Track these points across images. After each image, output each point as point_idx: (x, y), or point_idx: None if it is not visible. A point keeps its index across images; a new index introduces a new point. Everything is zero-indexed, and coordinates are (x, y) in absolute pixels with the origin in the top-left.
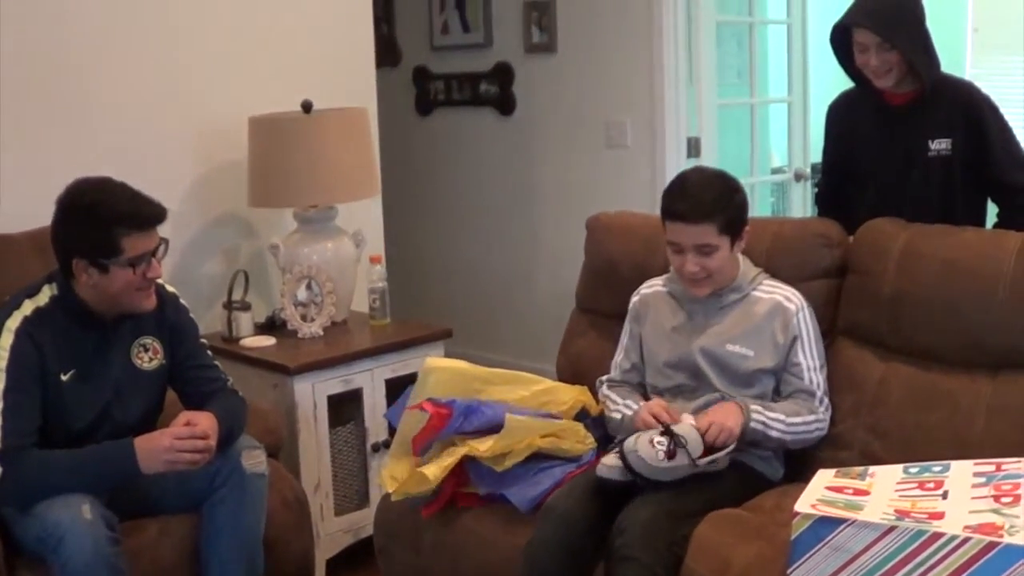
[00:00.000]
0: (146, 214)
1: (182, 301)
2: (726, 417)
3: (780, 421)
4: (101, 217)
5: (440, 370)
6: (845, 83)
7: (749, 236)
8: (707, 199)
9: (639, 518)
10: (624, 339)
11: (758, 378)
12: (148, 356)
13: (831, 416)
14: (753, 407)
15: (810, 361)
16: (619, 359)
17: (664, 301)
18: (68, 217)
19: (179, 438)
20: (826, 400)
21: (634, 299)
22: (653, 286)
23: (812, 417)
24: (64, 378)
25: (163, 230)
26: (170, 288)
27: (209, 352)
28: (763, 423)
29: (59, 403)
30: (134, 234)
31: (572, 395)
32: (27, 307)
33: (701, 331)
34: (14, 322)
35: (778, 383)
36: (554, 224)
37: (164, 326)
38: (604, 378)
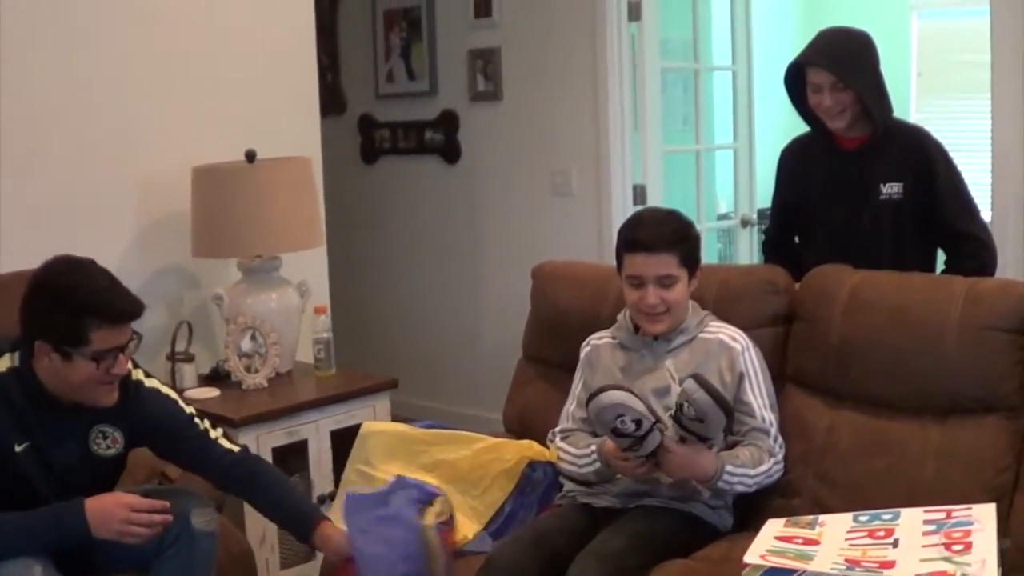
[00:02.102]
0: (120, 309)
1: (148, 384)
2: (695, 463)
3: (746, 475)
4: (74, 304)
5: (379, 434)
6: (791, 129)
7: (697, 282)
8: (668, 230)
9: (588, 572)
10: (576, 388)
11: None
12: (107, 444)
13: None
14: (727, 468)
15: (760, 399)
16: (571, 408)
17: (613, 350)
18: (40, 295)
19: (136, 510)
20: (780, 438)
21: (585, 348)
22: (602, 338)
23: (772, 461)
24: (18, 449)
25: None
26: (149, 383)
27: (197, 421)
28: (729, 482)
29: (11, 474)
30: (105, 327)
31: (517, 451)
32: None
33: (650, 373)
34: None
35: (728, 428)
36: (500, 272)
37: (128, 419)
38: (556, 430)
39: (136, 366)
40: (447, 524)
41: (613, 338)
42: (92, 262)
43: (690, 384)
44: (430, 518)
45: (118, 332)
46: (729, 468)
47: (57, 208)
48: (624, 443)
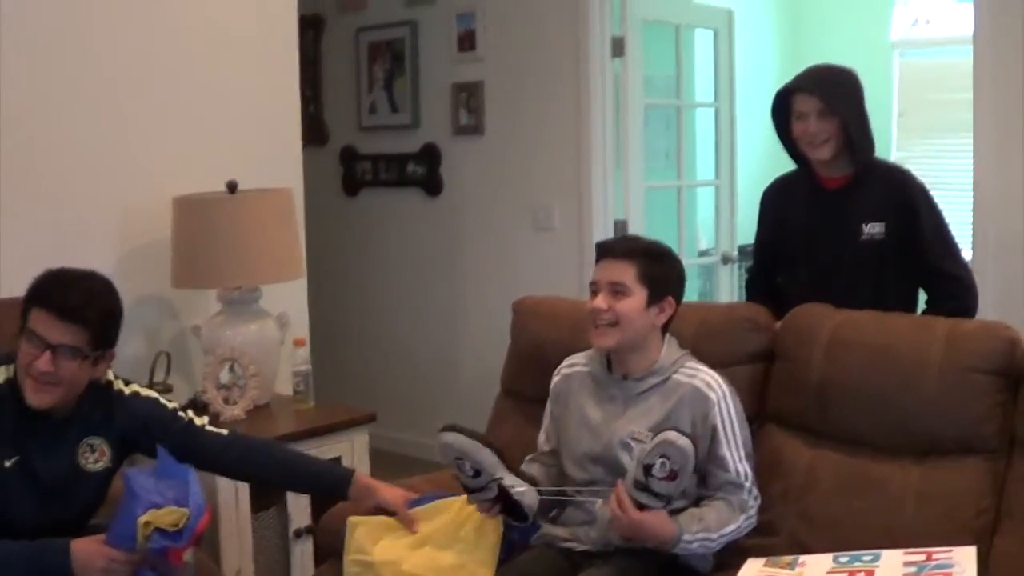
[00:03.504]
0: (58, 299)
1: (128, 391)
2: (650, 531)
3: (707, 538)
4: (35, 282)
5: (365, 523)
6: (772, 166)
7: (676, 320)
8: (638, 244)
9: None
10: (545, 420)
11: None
12: (94, 457)
13: (760, 503)
14: (684, 537)
15: (735, 452)
16: (541, 440)
17: (584, 385)
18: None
19: (115, 560)
20: (755, 490)
21: (555, 378)
22: (575, 365)
23: (743, 517)
24: (7, 464)
25: None
26: (128, 389)
27: (180, 413)
28: (688, 548)
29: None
30: (43, 312)
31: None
32: None
33: (619, 419)
34: None
35: (703, 474)
36: (480, 306)
37: (114, 430)
38: (528, 457)
39: (116, 377)
40: (177, 536)
41: (586, 366)
42: (90, 272)
43: (670, 433)
44: (149, 517)
45: (50, 324)
46: (686, 537)
47: (37, 236)
48: (465, 484)
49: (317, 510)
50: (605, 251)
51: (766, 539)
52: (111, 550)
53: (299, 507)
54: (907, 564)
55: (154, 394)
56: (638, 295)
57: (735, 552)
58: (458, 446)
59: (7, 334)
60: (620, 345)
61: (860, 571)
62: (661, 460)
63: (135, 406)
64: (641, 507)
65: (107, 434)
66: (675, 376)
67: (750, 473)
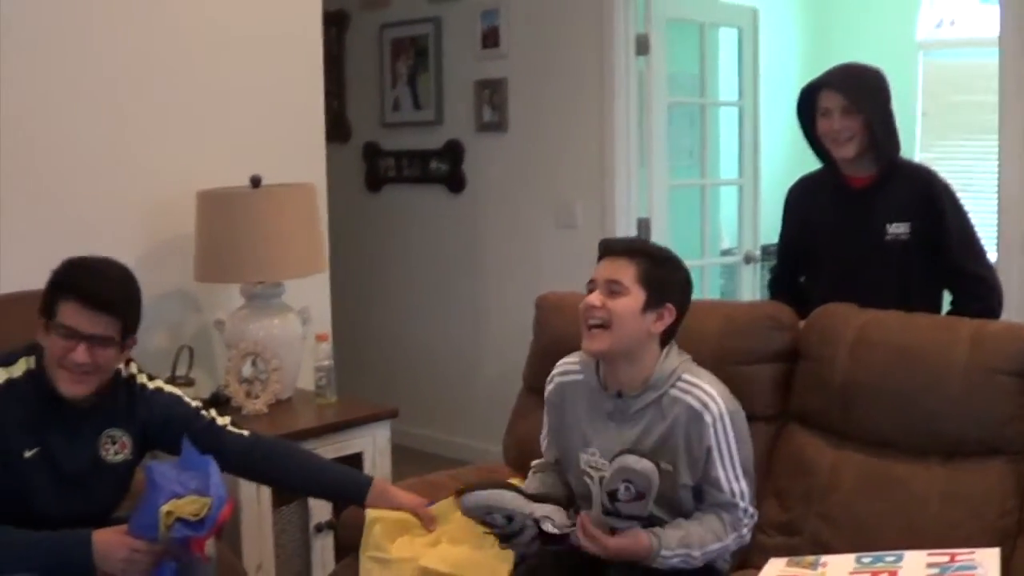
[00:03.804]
0: (90, 290)
1: (152, 386)
2: (626, 551)
3: (688, 555)
4: (59, 275)
5: (383, 519)
6: (796, 166)
7: (699, 317)
8: (640, 244)
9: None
10: (544, 429)
11: (680, 495)
12: (115, 449)
13: (756, 520)
14: (662, 553)
15: (730, 472)
16: (544, 447)
17: (579, 397)
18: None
19: (137, 551)
20: (750, 508)
21: (548, 386)
22: (568, 372)
23: (733, 535)
24: (28, 455)
25: None
26: (152, 384)
27: (203, 412)
28: (666, 563)
29: (19, 481)
30: (72, 304)
31: None
32: (0, 375)
33: (616, 441)
34: None
35: (698, 493)
36: (502, 303)
37: (136, 422)
38: (534, 463)
39: (140, 371)
40: (199, 526)
41: (579, 374)
42: (108, 260)
43: (629, 458)
44: (170, 507)
45: (84, 315)
46: (665, 553)
47: (60, 229)
48: (503, 535)
49: (338, 505)
50: (607, 248)
51: (788, 539)
52: (133, 540)
53: (320, 502)
54: (930, 565)
55: (177, 391)
56: (635, 296)
57: (756, 550)
58: (481, 503)
59: (34, 326)
60: (611, 350)
61: (883, 572)
62: (624, 484)
63: (158, 401)
64: (617, 529)
65: (129, 427)
66: (671, 391)
67: (747, 491)
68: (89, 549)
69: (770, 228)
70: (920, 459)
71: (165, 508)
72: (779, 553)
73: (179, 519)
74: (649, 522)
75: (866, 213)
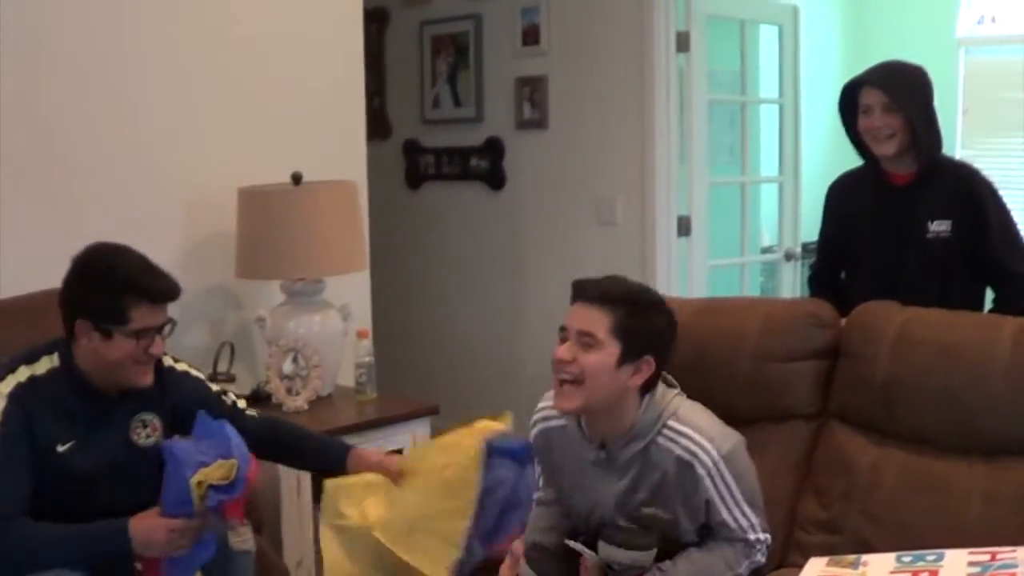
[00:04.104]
0: (160, 288)
1: (180, 368)
2: None
3: None
4: (115, 282)
5: (342, 484)
6: (836, 163)
7: (739, 315)
8: (615, 289)
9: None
10: (537, 470)
11: (684, 536)
12: (146, 433)
13: (770, 539)
14: None
15: (735, 511)
16: (541, 484)
17: (564, 443)
18: (82, 277)
19: (175, 530)
20: (763, 536)
21: (533, 431)
22: (549, 418)
23: (745, 563)
24: (61, 449)
25: None
26: (179, 366)
27: (224, 397)
28: None
29: (56, 474)
30: (144, 306)
31: (474, 439)
32: (22, 373)
33: (606, 491)
34: (7, 387)
35: (705, 528)
36: (542, 300)
37: (166, 405)
38: (538, 496)
39: (164, 352)
40: (231, 488)
41: (560, 418)
42: (128, 247)
43: (604, 551)
44: (200, 477)
45: (156, 311)
46: None
47: (103, 226)
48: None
49: None
50: (579, 293)
51: (829, 537)
52: (169, 521)
53: None
54: (971, 564)
55: (202, 375)
56: (610, 350)
57: (796, 549)
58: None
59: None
60: (584, 409)
61: (923, 571)
62: (616, 566)
63: (187, 383)
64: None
65: (159, 409)
66: (658, 440)
67: (755, 521)
68: (127, 537)
69: (810, 225)
70: (962, 457)
71: (195, 479)
72: (819, 551)
73: (211, 486)
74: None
75: (907, 210)
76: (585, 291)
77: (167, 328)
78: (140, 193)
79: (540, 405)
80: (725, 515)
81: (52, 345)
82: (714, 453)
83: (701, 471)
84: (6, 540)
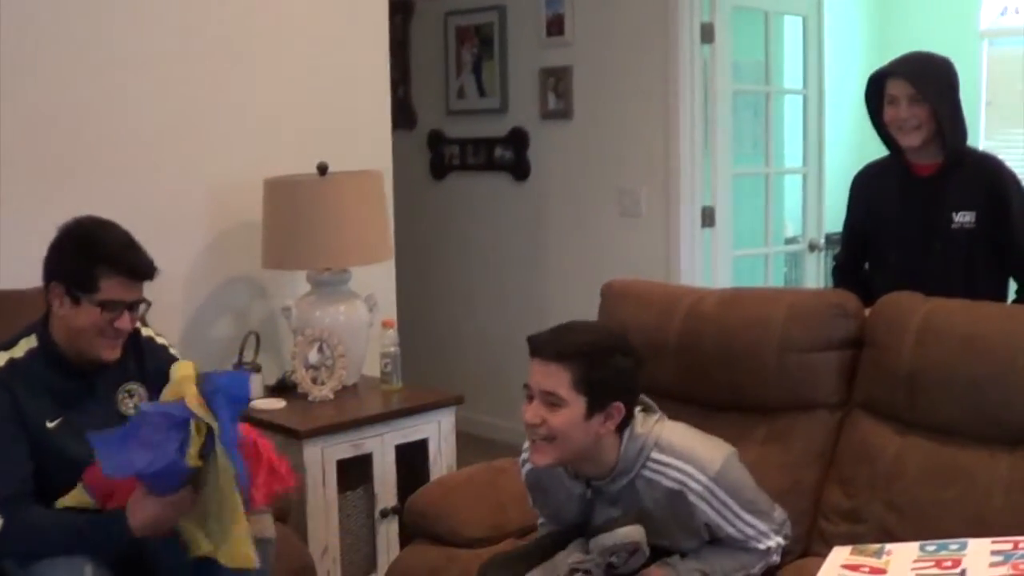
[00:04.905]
0: (133, 263)
1: (160, 341)
2: None
3: None
4: (89, 249)
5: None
6: (860, 154)
7: (765, 305)
8: (571, 340)
9: None
10: (530, 500)
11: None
12: (133, 403)
13: (788, 529)
14: None
15: (738, 524)
16: (539, 516)
17: (553, 479)
18: (61, 241)
19: (172, 503)
20: (776, 540)
21: (523, 469)
22: None
23: (759, 565)
24: (50, 425)
25: (175, 290)
26: (159, 339)
27: None
28: None
29: (47, 450)
30: (114, 278)
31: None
32: (1, 358)
33: (600, 518)
34: None
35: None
36: (567, 290)
37: (147, 372)
38: (541, 522)
39: (146, 325)
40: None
41: None
42: (114, 222)
43: (602, 538)
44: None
45: (127, 287)
46: None
47: (129, 216)
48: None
49: (403, 490)
50: (535, 350)
51: (853, 526)
52: (165, 499)
53: (386, 487)
54: (994, 552)
55: (177, 354)
56: (575, 406)
57: (820, 539)
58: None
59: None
60: (562, 462)
61: (947, 559)
62: (613, 557)
63: (162, 358)
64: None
65: (142, 378)
66: (644, 473)
67: (763, 527)
68: (124, 524)
69: (835, 216)
70: (985, 447)
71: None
72: (843, 540)
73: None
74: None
75: (932, 201)
76: (541, 348)
77: (141, 307)
78: (167, 184)
79: (526, 446)
80: (730, 530)
81: (29, 328)
82: (703, 478)
83: (693, 498)
84: (23, 523)
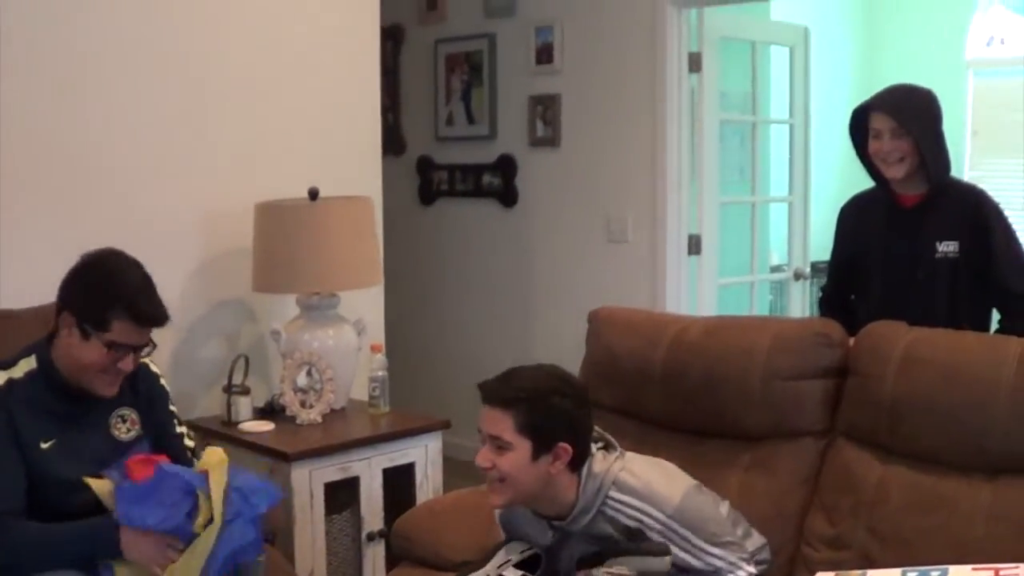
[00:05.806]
0: (147, 312)
1: (153, 368)
2: None
3: None
4: (107, 289)
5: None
6: (846, 183)
7: (750, 334)
8: (512, 385)
9: None
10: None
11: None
12: (126, 427)
13: (830, 517)
14: None
15: (705, 558)
16: None
17: (520, 516)
18: (83, 272)
19: (171, 546)
20: (746, 568)
21: (496, 513)
22: None
23: None
24: (44, 446)
25: None
26: (153, 367)
27: (176, 420)
28: None
29: (40, 470)
30: (128, 323)
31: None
32: (0, 378)
33: (570, 558)
34: None
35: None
36: (554, 317)
37: (139, 397)
38: None
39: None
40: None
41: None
42: (139, 264)
43: None
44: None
45: (138, 332)
46: None
47: (120, 239)
48: None
49: (390, 514)
50: (483, 395)
51: (836, 553)
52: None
53: (372, 511)
54: None
55: (168, 390)
56: (520, 449)
57: (803, 566)
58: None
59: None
60: (516, 502)
61: None
62: None
63: (154, 386)
64: None
65: (134, 403)
66: (605, 511)
67: (731, 558)
68: (114, 537)
69: (820, 245)
70: (968, 476)
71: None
72: (826, 567)
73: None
74: None
75: (916, 231)
76: (488, 395)
77: (146, 349)
78: (159, 207)
79: None
80: (697, 564)
81: (30, 348)
82: (661, 516)
83: (655, 536)
84: (12, 539)
